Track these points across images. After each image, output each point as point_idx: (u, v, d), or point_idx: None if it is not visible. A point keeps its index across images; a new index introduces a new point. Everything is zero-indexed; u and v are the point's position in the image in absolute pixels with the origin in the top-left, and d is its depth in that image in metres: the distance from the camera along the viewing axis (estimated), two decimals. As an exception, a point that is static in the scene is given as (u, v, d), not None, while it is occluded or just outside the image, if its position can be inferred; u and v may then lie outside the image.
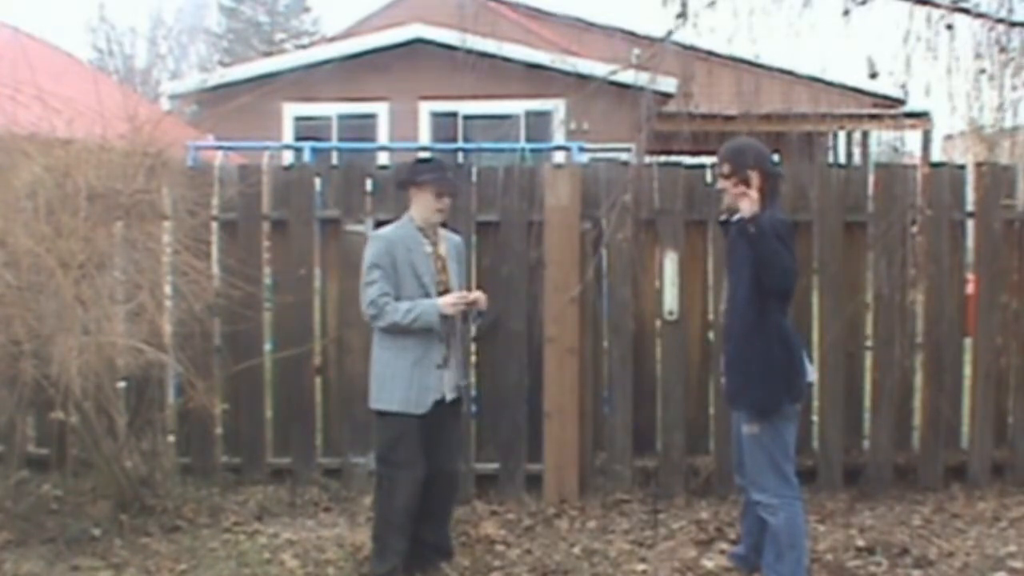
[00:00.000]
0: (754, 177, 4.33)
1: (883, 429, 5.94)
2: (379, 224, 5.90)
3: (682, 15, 5.58)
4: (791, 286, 4.42)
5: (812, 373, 4.66)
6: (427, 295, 4.68)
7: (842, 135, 18.84)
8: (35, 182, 5.07)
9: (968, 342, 6.11)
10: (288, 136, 14.83)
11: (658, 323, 6.00)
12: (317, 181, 6.08)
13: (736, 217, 4.41)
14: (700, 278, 5.97)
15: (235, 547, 5.14)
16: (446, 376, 4.73)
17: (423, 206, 4.76)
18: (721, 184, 4.49)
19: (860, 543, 5.12)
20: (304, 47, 29.49)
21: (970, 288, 6.27)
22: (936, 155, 16.42)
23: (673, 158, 6.84)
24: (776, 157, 5.11)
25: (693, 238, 5.93)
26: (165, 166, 5.51)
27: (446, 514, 4.94)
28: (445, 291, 4.74)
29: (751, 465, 4.47)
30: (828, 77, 12.53)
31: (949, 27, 5.79)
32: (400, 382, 4.66)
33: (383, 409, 4.71)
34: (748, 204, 4.25)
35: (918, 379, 6.04)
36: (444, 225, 4.92)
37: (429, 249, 4.75)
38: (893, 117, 16.01)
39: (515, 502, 5.76)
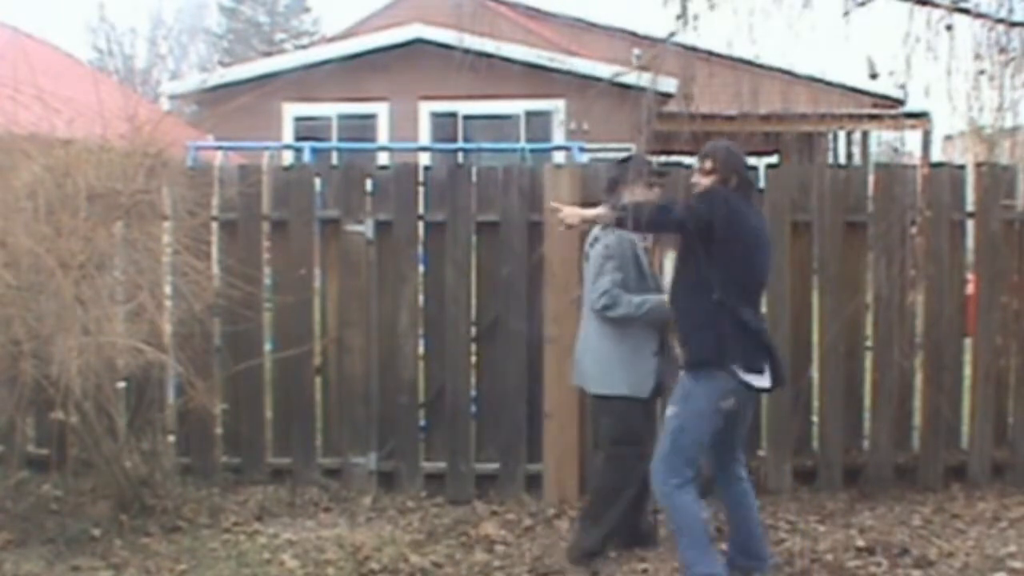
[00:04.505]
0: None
1: (883, 429, 5.94)
2: (380, 224, 5.93)
3: (681, 17, 5.57)
4: (658, 218, 4.55)
5: (766, 381, 4.55)
6: (648, 288, 4.89)
7: (842, 135, 18.83)
8: (35, 182, 5.06)
9: (968, 342, 6.11)
10: (288, 136, 14.81)
11: (658, 323, 5.99)
12: (317, 181, 6.08)
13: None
14: (700, 278, 5.96)
15: (235, 547, 5.14)
16: (660, 363, 4.89)
17: (639, 199, 4.87)
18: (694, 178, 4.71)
19: (860, 543, 5.12)
20: (304, 47, 29.52)
21: (970, 288, 6.27)
22: (936, 155, 16.42)
23: (673, 158, 6.84)
24: (775, 158, 5.11)
25: (693, 238, 5.92)
26: (165, 166, 5.50)
27: (647, 498, 5.01)
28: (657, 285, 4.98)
29: (658, 445, 4.53)
30: (828, 77, 12.53)
31: (949, 28, 5.77)
32: (627, 367, 4.84)
33: (611, 394, 4.89)
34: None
35: (918, 379, 6.03)
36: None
37: (643, 243, 4.98)
38: (893, 117, 16.01)
39: (515, 502, 5.76)
